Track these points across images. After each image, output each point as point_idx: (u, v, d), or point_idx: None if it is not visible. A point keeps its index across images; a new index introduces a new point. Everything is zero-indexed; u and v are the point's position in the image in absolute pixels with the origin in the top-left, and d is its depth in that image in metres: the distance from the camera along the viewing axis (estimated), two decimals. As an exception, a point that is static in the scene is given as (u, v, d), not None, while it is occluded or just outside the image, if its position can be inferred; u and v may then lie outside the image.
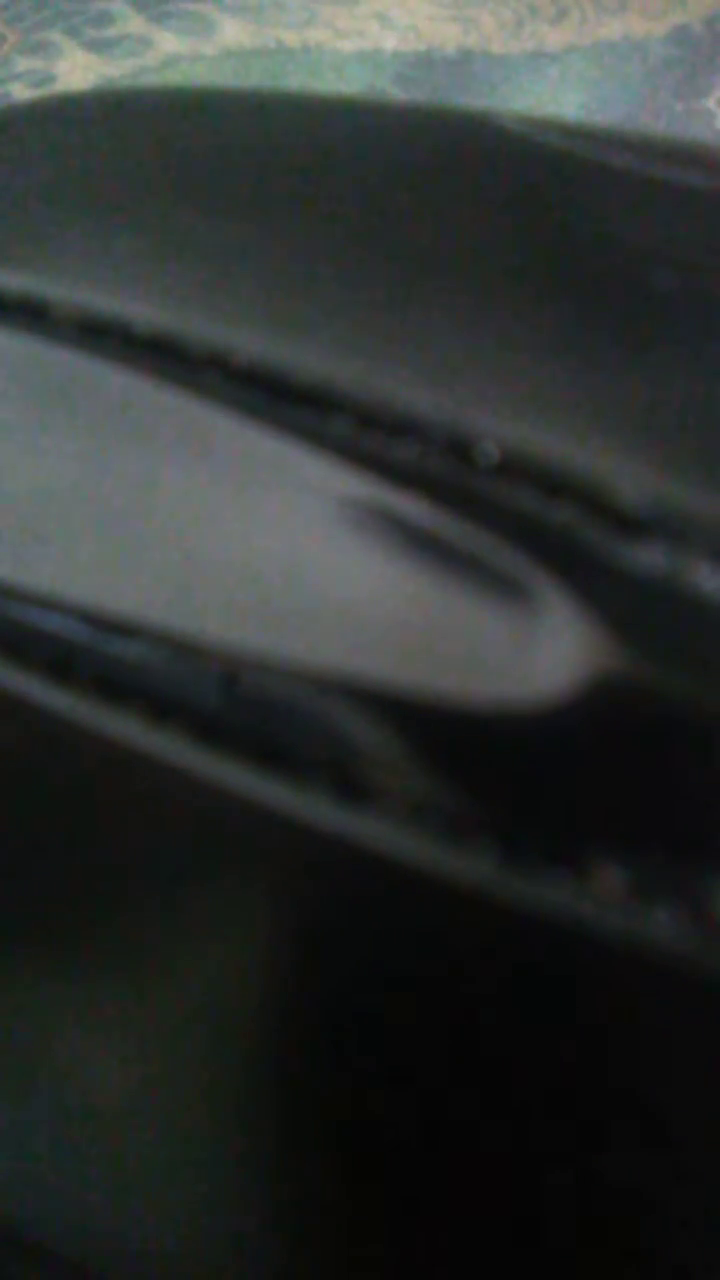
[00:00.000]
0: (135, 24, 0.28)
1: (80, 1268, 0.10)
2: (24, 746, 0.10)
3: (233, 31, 0.28)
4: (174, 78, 0.27)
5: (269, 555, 0.09)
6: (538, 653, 0.09)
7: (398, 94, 0.27)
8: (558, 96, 0.27)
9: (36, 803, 0.10)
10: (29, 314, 0.11)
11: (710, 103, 0.26)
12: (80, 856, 0.10)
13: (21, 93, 0.27)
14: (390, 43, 0.27)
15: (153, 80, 0.27)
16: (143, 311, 0.11)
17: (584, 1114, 0.09)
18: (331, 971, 0.09)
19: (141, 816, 0.09)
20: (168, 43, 0.28)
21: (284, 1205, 0.09)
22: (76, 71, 0.27)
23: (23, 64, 0.27)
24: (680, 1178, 0.09)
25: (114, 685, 0.09)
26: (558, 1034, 0.09)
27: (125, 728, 0.09)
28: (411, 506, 0.09)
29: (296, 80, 0.27)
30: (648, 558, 0.09)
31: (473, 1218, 0.09)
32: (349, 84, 0.27)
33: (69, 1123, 0.10)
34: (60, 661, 0.10)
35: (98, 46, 0.27)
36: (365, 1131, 0.09)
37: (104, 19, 0.28)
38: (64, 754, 0.10)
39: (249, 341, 0.10)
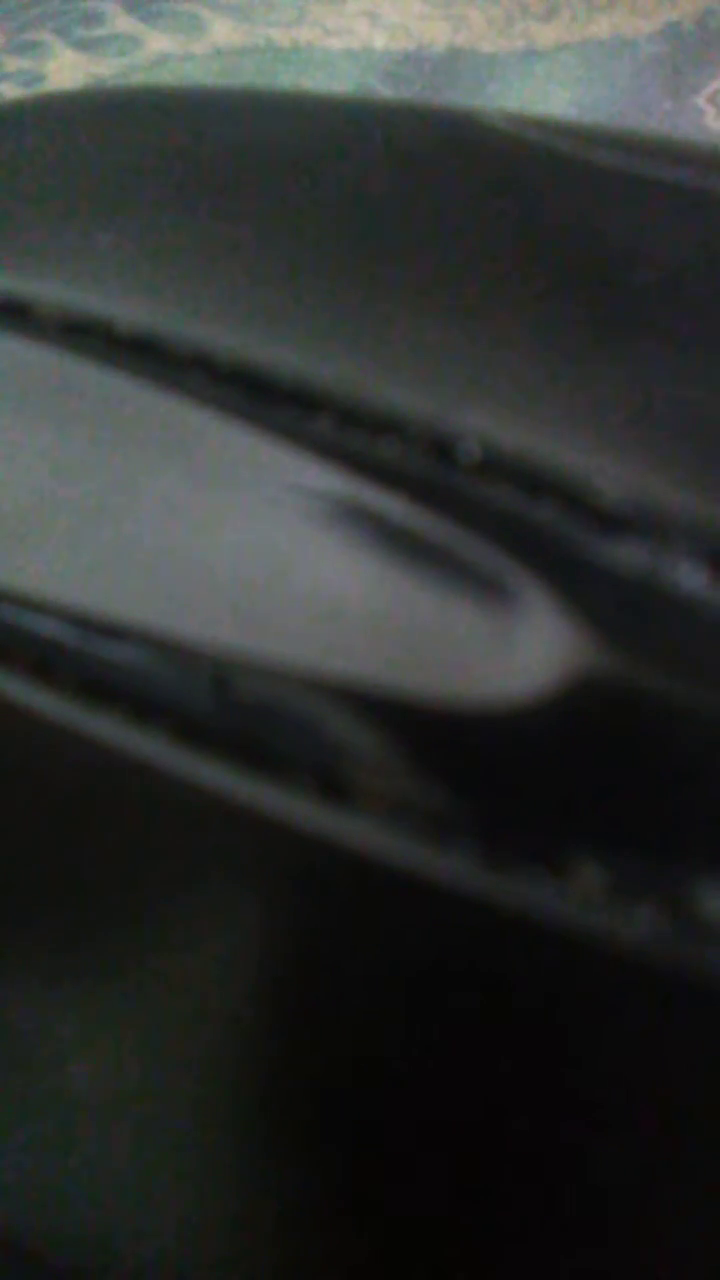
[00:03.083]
0: (125, 23, 0.28)
1: (69, 1271, 0.10)
2: (7, 747, 0.10)
3: (222, 30, 0.28)
4: (164, 77, 0.27)
5: (251, 555, 0.09)
6: (519, 651, 0.09)
7: (387, 92, 0.27)
8: (547, 94, 0.27)
9: (19, 803, 0.10)
10: (11, 313, 0.11)
11: (700, 100, 0.26)
12: (63, 857, 0.10)
13: (11, 93, 0.27)
14: (380, 41, 0.27)
15: (143, 79, 0.27)
16: (125, 311, 0.11)
17: (566, 1112, 0.09)
18: (314, 971, 0.09)
19: (124, 817, 0.09)
20: (157, 42, 0.27)
21: (276, 1206, 0.09)
22: (66, 71, 0.27)
23: (12, 64, 0.27)
24: (663, 1175, 0.09)
25: (97, 686, 0.09)
26: (539, 1032, 0.09)
27: (108, 729, 0.09)
28: (393, 505, 0.09)
29: (286, 79, 0.27)
30: (628, 556, 0.09)
31: (459, 1213, 0.09)
32: (338, 82, 0.27)
33: (57, 1125, 0.10)
34: (44, 663, 0.10)
35: (87, 46, 0.27)
36: (351, 1129, 0.09)
37: (94, 18, 0.28)
38: (47, 755, 0.10)
39: (231, 341, 0.10)
